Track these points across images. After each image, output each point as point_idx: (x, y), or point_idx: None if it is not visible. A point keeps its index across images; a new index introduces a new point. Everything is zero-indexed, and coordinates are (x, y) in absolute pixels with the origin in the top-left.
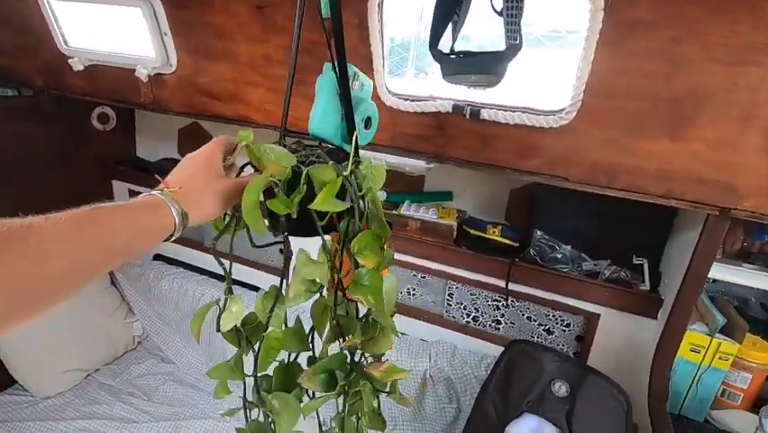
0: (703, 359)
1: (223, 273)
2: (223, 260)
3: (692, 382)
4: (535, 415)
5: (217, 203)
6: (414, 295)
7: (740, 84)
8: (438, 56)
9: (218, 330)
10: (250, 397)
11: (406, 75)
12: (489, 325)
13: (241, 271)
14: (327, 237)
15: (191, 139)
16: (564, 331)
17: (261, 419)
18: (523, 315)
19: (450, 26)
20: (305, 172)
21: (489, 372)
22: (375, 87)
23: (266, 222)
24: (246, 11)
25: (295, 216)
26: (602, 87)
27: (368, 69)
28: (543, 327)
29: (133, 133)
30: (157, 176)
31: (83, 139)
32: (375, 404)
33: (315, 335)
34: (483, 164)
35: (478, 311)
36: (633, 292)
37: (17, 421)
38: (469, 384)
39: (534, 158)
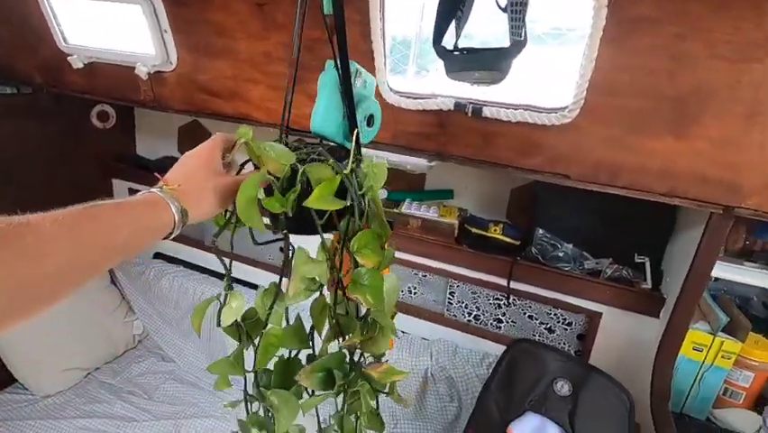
0: (705, 358)
1: (223, 272)
2: (223, 256)
3: (695, 381)
4: (538, 414)
5: (217, 200)
6: (415, 294)
7: (744, 81)
8: (442, 53)
9: (219, 325)
10: (251, 390)
11: (408, 73)
12: (491, 323)
13: (241, 270)
14: (328, 236)
15: (191, 137)
16: (566, 330)
17: (262, 413)
18: (524, 313)
19: (453, 23)
20: (301, 170)
21: (490, 370)
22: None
23: (266, 220)
24: (246, 8)
25: (291, 215)
26: (605, 85)
27: (369, 66)
28: (544, 326)
29: (133, 132)
30: (156, 174)
31: (82, 137)
32: (373, 405)
33: (316, 332)
34: (485, 162)
35: (479, 310)
36: (635, 291)
37: (17, 420)
38: (470, 383)
39: (537, 156)
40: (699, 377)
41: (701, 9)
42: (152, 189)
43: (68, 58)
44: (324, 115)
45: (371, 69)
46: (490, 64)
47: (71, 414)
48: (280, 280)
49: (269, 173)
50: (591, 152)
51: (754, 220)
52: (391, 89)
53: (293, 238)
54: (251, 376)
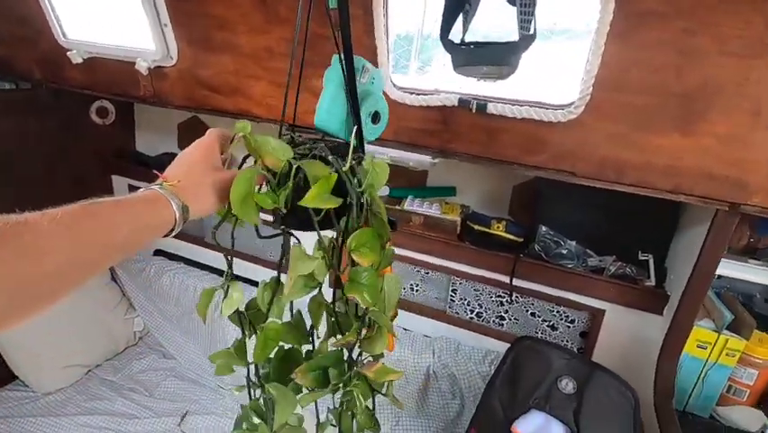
0: (710, 355)
1: (223, 269)
2: (223, 248)
3: (698, 379)
4: (542, 412)
5: (216, 196)
6: (417, 291)
7: (752, 78)
8: (449, 47)
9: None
10: (254, 378)
11: (410, 69)
12: (493, 321)
13: (242, 267)
14: (327, 233)
15: (191, 133)
16: (569, 327)
17: (263, 401)
18: (527, 311)
19: (461, 16)
20: (295, 167)
21: (493, 368)
22: None
23: (269, 216)
24: (248, 1)
25: (286, 211)
26: (611, 81)
27: (372, 62)
28: (547, 323)
29: (133, 128)
30: (155, 171)
31: (81, 133)
32: (368, 405)
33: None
34: (490, 159)
35: (481, 307)
36: (638, 288)
37: (18, 417)
38: (473, 380)
39: (542, 153)
40: (702, 375)
41: (710, 3)
42: (152, 186)
43: (68, 53)
44: (328, 111)
45: (374, 65)
46: (499, 58)
47: (72, 411)
48: (278, 275)
49: (268, 169)
50: (597, 148)
51: (758, 217)
52: (394, 85)
53: (300, 233)
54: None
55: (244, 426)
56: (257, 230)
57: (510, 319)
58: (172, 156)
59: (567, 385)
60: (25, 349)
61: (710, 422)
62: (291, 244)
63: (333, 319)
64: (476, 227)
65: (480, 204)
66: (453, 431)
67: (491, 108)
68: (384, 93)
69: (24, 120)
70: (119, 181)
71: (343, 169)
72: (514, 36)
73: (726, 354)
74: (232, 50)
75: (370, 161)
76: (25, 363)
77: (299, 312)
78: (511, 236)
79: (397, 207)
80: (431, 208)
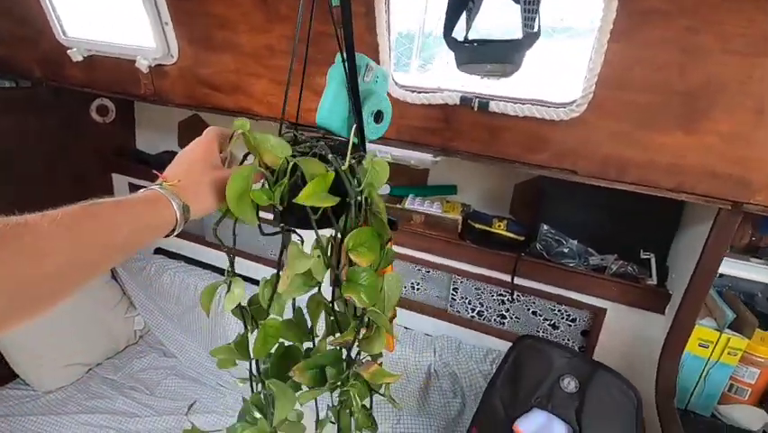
0: (711, 354)
1: (223, 268)
2: (225, 244)
3: (700, 377)
4: (545, 411)
5: (217, 194)
6: (418, 289)
7: (755, 76)
8: (452, 44)
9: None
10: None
11: (411, 67)
12: (494, 319)
13: (244, 266)
14: (327, 232)
15: (191, 131)
16: (570, 326)
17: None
18: (528, 309)
19: (464, 14)
20: (290, 164)
21: (494, 366)
22: None
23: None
24: (249, 0)
25: (282, 208)
26: (614, 79)
27: (374, 59)
28: (548, 322)
29: (133, 126)
30: (155, 171)
31: (82, 131)
32: (365, 404)
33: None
34: (491, 158)
35: (482, 306)
36: (640, 287)
37: (19, 416)
38: (474, 379)
39: (544, 151)
40: (704, 373)
41: (714, 1)
42: (152, 186)
43: (68, 51)
44: (330, 109)
45: (376, 63)
46: (503, 56)
47: (73, 409)
48: (278, 272)
49: (267, 166)
50: (599, 147)
51: (759, 216)
52: (396, 83)
53: (303, 231)
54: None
55: (247, 418)
56: (260, 228)
57: (511, 318)
58: (173, 154)
59: (569, 384)
60: (26, 348)
61: (712, 421)
62: (290, 242)
63: (332, 318)
64: (477, 226)
65: (480, 202)
66: (454, 430)
67: (493, 106)
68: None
69: (24, 118)
70: (119, 180)
71: (342, 167)
72: (518, 34)
73: (728, 353)
74: (233, 48)
75: (370, 160)
76: (26, 362)
77: (300, 310)
78: (512, 235)
79: (398, 205)
80: (432, 207)
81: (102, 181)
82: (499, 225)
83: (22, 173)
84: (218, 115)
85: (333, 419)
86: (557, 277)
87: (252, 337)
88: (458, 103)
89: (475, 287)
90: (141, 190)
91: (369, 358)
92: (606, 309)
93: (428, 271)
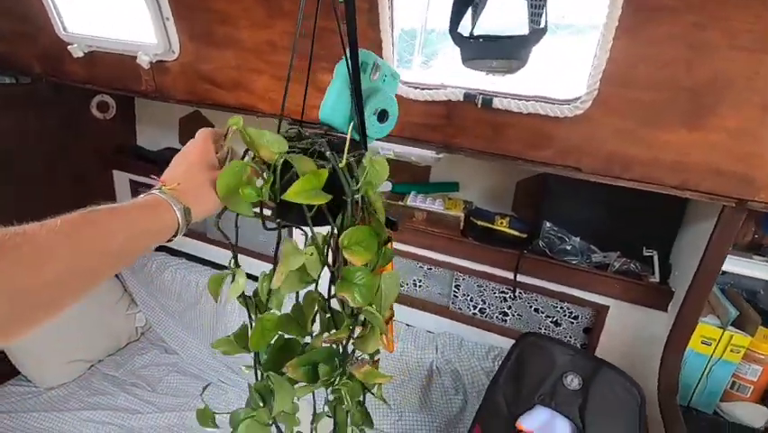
0: (714, 351)
1: (224, 265)
2: (227, 236)
3: (702, 375)
4: (548, 408)
5: (216, 195)
6: (420, 286)
7: (762, 72)
8: (458, 40)
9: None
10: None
11: (413, 63)
12: (496, 317)
13: (246, 263)
14: (324, 229)
15: (192, 128)
16: (572, 323)
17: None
18: (530, 307)
19: (470, 9)
20: (281, 160)
21: (496, 363)
22: None
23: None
24: None
25: (274, 204)
26: (619, 76)
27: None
28: (550, 319)
29: (134, 122)
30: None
31: (82, 128)
32: (356, 404)
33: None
34: (494, 154)
35: (485, 303)
36: (642, 284)
37: (21, 412)
38: (476, 376)
39: (547, 148)
40: (707, 371)
41: None
42: (152, 191)
43: (68, 47)
44: (333, 105)
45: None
46: (509, 52)
47: (75, 406)
48: (274, 268)
49: (264, 162)
50: (604, 144)
51: (763, 214)
52: None
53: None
54: None
55: (252, 405)
56: (263, 223)
57: (513, 315)
58: (174, 151)
59: (572, 381)
60: (28, 344)
61: (714, 418)
62: (285, 238)
63: (327, 315)
64: (479, 223)
65: (482, 200)
66: (456, 427)
67: (497, 103)
68: None
69: (24, 116)
70: (120, 176)
71: (340, 165)
72: (524, 30)
73: (731, 351)
74: (234, 44)
75: (369, 159)
76: (28, 359)
77: (298, 304)
78: (515, 232)
79: (400, 202)
80: (434, 204)
81: (102, 179)
82: (502, 223)
83: (22, 173)
84: (219, 111)
85: (328, 413)
86: (560, 274)
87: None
88: (461, 99)
89: (477, 284)
90: (141, 195)
91: (366, 357)
92: (608, 307)
93: (430, 269)
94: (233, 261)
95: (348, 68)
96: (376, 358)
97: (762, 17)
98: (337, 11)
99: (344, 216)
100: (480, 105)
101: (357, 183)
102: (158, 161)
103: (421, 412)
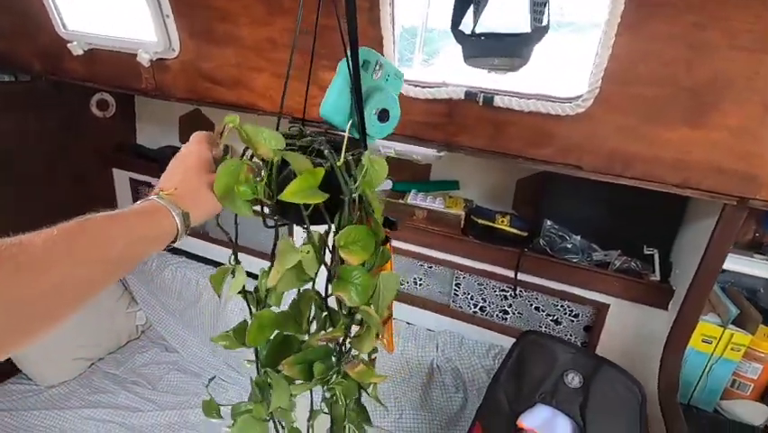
0: (714, 350)
1: (224, 263)
2: (227, 233)
3: (703, 373)
4: (549, 406)
5: (215, 197)
6: (421, 285)
7: (762, 72)
8: (460, 37)
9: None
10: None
11: (414, 61)
12: (497, 315)
13: (246, 261)
14: (324, 228)
15: (193, 126)
16: (572, 322)
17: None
18: (531, 305)
19: (472, 7)
20: (277, 158)
21: (496, 361)
22: None
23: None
24: None
25: (269, 202)
26: (621, 73)
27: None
28: (551, 318)
29: (134, 120)
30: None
31: (82, 126)
32: (356, 400)
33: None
34: (495, 153)
35: (485, 301)
36: (643, 283)
37: (22, 410)
38: (476, 374)
39: (548, 146)
40: (707, 369)
41: None
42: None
43: (68, 44)
44: (334, 103)
45: None
46: (511, 50)
47: (76, 404)
48: (271, 265)
49: (263, 159)
50: (605, 142)
51: (763, 212)
52: None
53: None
54: None
55: (253, 399)
56: (264, 220)
57: (514, 313)
58: (174, 149)
59: (573, 379)
60: None
61: (714, 416)
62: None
63: (324, 314)
64: (480, 221)
65: (483, 198)
66: (457, 425)
67: (498, 101)
68: None
69: (24, 115)
70: (120, 175)
71: (338, 164)
72: (526, 27)
73: (732, 349)
74: (234, 41)
75: (368, 158)
76: (28, 357)
77: (296, 302)
78: (515, 231)
79: (400, 200)
80: (434, 202)
81: (103, 178)
82: (502, 221)
83: (22, 173)
84: (220, 109)
85: (325, 410)
86: (560, 273)
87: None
88: (462, 97)
89: (478, 282)
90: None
91: (365, 356)
92: (609, 305)
93: (431, 267)
94: (232, 257)
95: (348, 66)
96: (373, 357)
97: (761, 17)
98: (337, 8)
99: (341, 215)
100: (481, 104)
101: (355, 182)
102: (158, 160)
103: (422, 410)
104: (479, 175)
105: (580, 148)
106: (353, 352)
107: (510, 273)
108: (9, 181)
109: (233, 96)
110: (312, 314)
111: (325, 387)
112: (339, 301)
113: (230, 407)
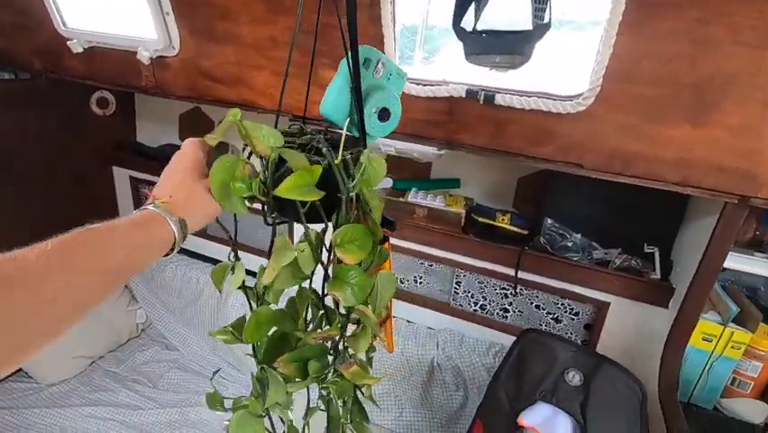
0: (715, 348)
1: (224, 260)
2: (227, 229)
3: (703, 371)
4: (549, 404)
5: (212, 202)
6: (421, 283)
7: (765, 68)
8: (461, 35)
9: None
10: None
11: (414, 59)
12: (497, 313)
13: (246, 259)
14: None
15: (192, 124)
16: (573, 320)
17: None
18: (531, 303)
19: (473, 4)
20: (274, 155)
21: (496, 360)
22: None
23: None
24: None
25: (265, 199)
26: (623, 72)
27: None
28: (551, 316)
29: (134, 118)
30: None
31: (82, 124)
32: (354, 398)
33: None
34: (496, 151)
35: (485, 299)
36: (644, 281)
37: (23, 408)
38: (476, 372)
39: (549, 144)
40: (707, 367)
41: None
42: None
43: (68, 42)
44: (334, 101)
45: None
46: (512, 48)
47: (76, 402)
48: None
49: (260, 156)
50: (606, 140)
51: (763, 210)
52: None
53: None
54: None
55: (254, 394)
56: (264, 217)
57: (514, 312)
58: (174, 147)
59: (574, 378)
60: None
61: (714, 414)
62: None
63: (321, 312)
64: (480, 220)
65: (484, 196)
66: (457, 423)
67: (499, 99)
68: None
69: (24, 113)
70: (120, 173)
71: (336, 162)
72: (527, 25)
73: (732, 347)
74: (234, 39)
75: (366, 157)
76: None
77: (293, 300)
78: (516, 229)
79: (400, 199)
80: (435, 200)
81: (102, 175)
82: (503, 219)
83: (22, 173)
84: (220, 107)
85: (322, 408)
86: (561, 271)
87: None
88: (463, 95)
89: (478, 280)
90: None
91: (362, 355)
92: (609, 303)
93: (431, 265)
94: (232, 254)
95: (348, 64)
96: (370, 356)
97: (765, 13)
98: (338, 6)
99: (338, 213)
100: (482, 102)
101: (353, 180)
102: (158, 158)
103: (422, 408)
104: (479, 173)
105: (581, 146)
106: (351, 351)
107: (511, 271)
108: (9, 179)
109: (233, 94)
110: (309, 312)
111: (320, 385)
112: (335, 300)
113: (231, 401)
